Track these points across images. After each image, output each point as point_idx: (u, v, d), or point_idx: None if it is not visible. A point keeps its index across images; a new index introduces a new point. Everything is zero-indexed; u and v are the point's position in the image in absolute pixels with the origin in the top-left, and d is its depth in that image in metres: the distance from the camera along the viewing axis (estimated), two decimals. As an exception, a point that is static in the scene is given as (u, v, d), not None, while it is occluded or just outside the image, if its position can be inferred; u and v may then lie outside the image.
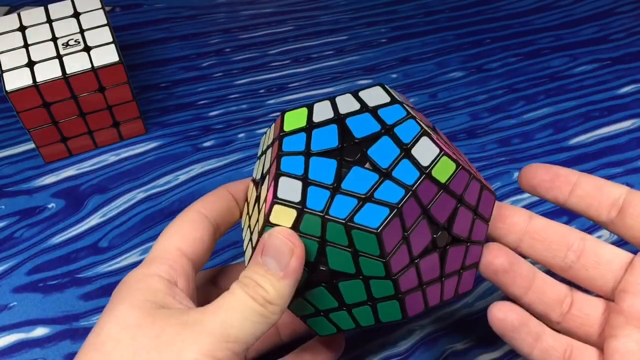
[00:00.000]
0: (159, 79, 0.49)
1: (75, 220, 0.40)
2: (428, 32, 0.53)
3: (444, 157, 0.26)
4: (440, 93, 0.48)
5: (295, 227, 0.25)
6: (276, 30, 0.53)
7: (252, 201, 0.29)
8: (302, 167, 0.26)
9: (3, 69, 0.39)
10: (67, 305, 0.36)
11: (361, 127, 0.27)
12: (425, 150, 0.26)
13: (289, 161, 0.26)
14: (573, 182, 0.30)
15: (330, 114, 0.27)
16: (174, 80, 0.49)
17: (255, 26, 0.53)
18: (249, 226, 0.29)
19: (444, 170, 0.26)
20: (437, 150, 0.26)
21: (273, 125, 0.29)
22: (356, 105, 0.28)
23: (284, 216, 0.25)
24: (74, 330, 0.35)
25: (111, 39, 0.41)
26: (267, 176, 0.27)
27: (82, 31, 0.41)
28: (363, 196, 0.25)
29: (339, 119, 0.27)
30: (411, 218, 0.25)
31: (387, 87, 0.28)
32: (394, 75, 0.49)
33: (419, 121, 0.27)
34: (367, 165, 0.26)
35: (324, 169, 0.26)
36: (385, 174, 0.25)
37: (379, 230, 0.24)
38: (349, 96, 0.28)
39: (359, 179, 0.25)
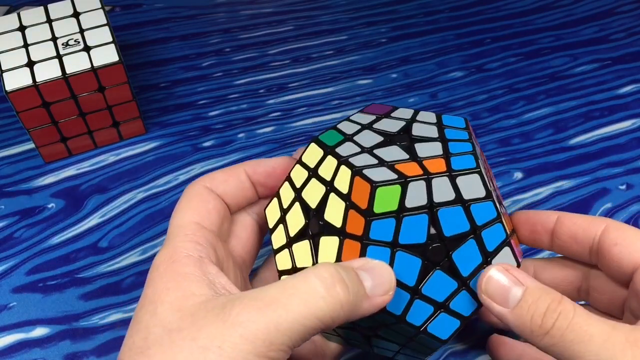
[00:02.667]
0: (158, 78, 0.49)
1: (75, 220, 0.40)
2: (428, 32, 0.53)
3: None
4: (441, 93, 0.48)
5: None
6: (276, 30, 0.53)
7: (295, 220, 0.28)
8: (386, 262, 0.25)
9: (3, 68, 0.39)
10: (67, 305, 0.36)
11: (451, 223, 0.26)
12: (504, 260, 0.26)
13: (374, 253, 0.25)
14: (550, 229, 0.29)
15: (423, 200, 0.25)
16: (173, 80, 0.49)
17: (255, 26, 0.53)
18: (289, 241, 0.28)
19: None
20: (514, 263, 0.27)
21: (314, 145, 0.27)
22: (451, 195, 0.25)
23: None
24: (74, 330, 0.35)
25: (111, 39, 0.41)
26: (336, 238, 0.25)
27: (82, 31, 0.41)
28: (439, 304, 0.26)
29: (431, 207, 0.25)
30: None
31: (481, 174, 0.26)
32: (394, 75, 0.49)
33: (504, 224, 0.26)
34: (448, 269, 0.26)
35: (408, 270, 0.25)
36: (464, 283, 0.26)
37: (446, 341, 0.26)
38: (445, 180, 0.25)
39: (438, 284, 0.26)
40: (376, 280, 0.24)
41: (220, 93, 0.48)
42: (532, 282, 0.25)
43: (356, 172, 0.25)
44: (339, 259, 0.25)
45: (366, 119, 0.29)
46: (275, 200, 0.29)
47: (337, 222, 0.25)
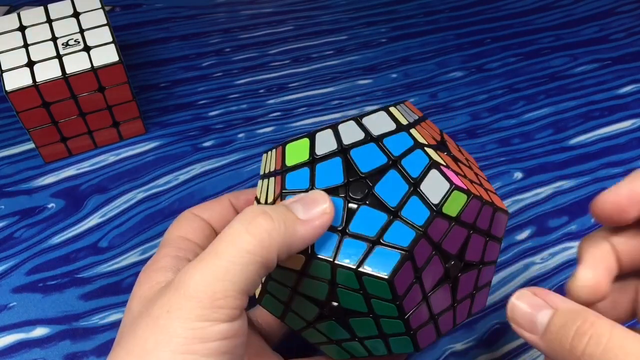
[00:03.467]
0: (158, 78, 0.49)
1: (75, 220, 0.40)
2: (428, 32, 0.53)
3: (455, 192, 0.24)
4: (441, 93, 0.48)
5: (303, 270, 0.25)
6: (276, 30, 0.53)
7: None
8: None
9: (3, 68, 0.39)
10: (67, 305, 0.36)
11: (366, 159, 0.25)
12: (434, 185, 0.25)
13: None
14: None
15: (333, 145, 0.26)
16: (173, 80, 0.49)
17: (255, 26, 0.53)
18: None
19: (455, 204, 0.25)
20: (447, 185, 0.24)
21: (274, 150, 0.28)
22: (360, 135, 0.26)
23: (292, 260, 0.25)
24: (74, 330, 0.35)
25: (111, 39, 0.41)
26: None
27: (81, 31, 0.41)
28: (372, 239, 0.24)
29: (342, 150, 0.26)
30: (422, 258, 0.24)
31: (392, 110, 0.27)
32: (394, 75, 0.49)
33: (427, 150, 0.25)
34: (374, 203, 0.25)
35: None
36: (394, 214, 0.24)
37: (390, 278, 0.23)
38: (352, 123, 0.26)
39: (367, 220, 0.24)
40: (308, 205, 0.24)
41: (220, 93, 0.48)
42: (563, 303, 0.23)
43: (281, 144, 0.27)
44: None
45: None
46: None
47: (270, 197, 0.27)
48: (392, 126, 0.26)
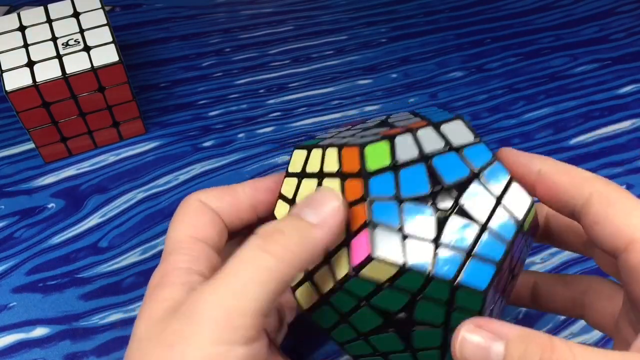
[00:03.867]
0: (158, 78, 0.49)
1: (75, 220, 0.40)
2: (428, 32, 0.53)
3: (533, 206, 0.25)
4: (441, 93, 0.48)
5: (390, 282, 0.23)
6: (276, 30, 0.53)
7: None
8: (397, 217, 0.23)
9: (3, 68, 0.39)
10: (67, 305, 0.36)
11: (449, 170, 0.25)
12: (516, 199, 0.25)
13: (381, 208, 0.23)
14: (531, 180, 0.26)
15: (415, 152, 0.25)
16: (173, 80, 0.49)
17: (255, 26, 0.53)
18: None
19: (530, 219, 0.25)
20: (529, 200, 0.25)
21: (327, 150, 0.26)
22: (440, 143, 0.25)
23: (379, 271, 0.23)
24: (74, 330, 0.35)
25: (111, 39, 0.41)
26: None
27: (81, 31, 0.41)
28: (466, 251, 0.23)
29: (424, 158, 0.25)
30: (503, 271, 0.24)
31: (466, 121, 0.26)
32: (394, 75, 0.49)
33: (504, 164, 0.26)
34: (462, 214, 0.24)
35: (421, 220, 0.24)
36: (483, 226, 0.24)
37: (486, 291, 0.23)
38: (431, 130, 0.25)
39: (458, 232, 0.24)
40: (317, 207, 0.23)
41: (220, 93, 0.48)
42: (513, 331, 0.21)
43: (341, 146, 0.25)
44: (348, 235, 0.24)
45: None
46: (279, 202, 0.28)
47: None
48: (471, 137, 0.26)
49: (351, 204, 0.24)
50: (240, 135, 0.45)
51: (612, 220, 0.23)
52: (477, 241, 0.24)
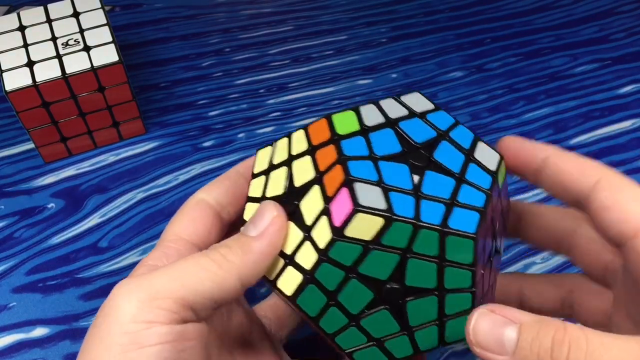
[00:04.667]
0: (158, 78, 0.49)
1: (74, 220, 0.40)
2: (428, 32, 0.53)
3: (503, 161, 0.25)
4: (441, 93, 0.48)
5: (376, 239, 0.23)
6: (276, 30, 0.53)
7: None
8: (374, 172, 0.23)
9: (3, 68, 0.39)
10: (66, 305, 0.36)
11: (416, 132, 0.25)
12: (485, 155, 0.25)
13: (357, 166, 0.23)
14: (536, 167, 0.26)
15: (381, 118, 0.25)
16: (173, 80, 0.49)
17: (255, 26, 0.53)
18: None
19: (502, 175, 0.25)
20: (497, 156, 0.25)
21: (274, 143, 0.27)
22: (404, 111, 0.26)
23: (364, 227, 0.22)
24: (74, 330, 0.35)
25: (111, 39, 0.41)
26: (316, 186, 0.24)
27: (81, 31, 0.41)
28: (448, 201, 0.23)
29: (391, 123, 0.25)
30: (485, 225, 0.24)
31: (423, 94, 0.27)
32: (394, 75, 0.49)
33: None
34: (437, 169, 0.24)
35: (398, 174, 0.24)
36: (459, 178, 0.24)
37: (475, 235, 0.23)
38: (392, 100, 0.26)
39: (436, 184, 0.24)
40: (257, 220, 0.24)
41: (220, 93, 0.48)
42: (525, 316, 0.21)
43: (306, 126, 0.26)
44: (326, 201, 0.23)
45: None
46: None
47: (308, 175, 0.25)
48: (431, 106, 0.26)
49: (324, 172, 0.24)
50: (240, 135, 0.45)
51: (620, 206, 0.23)
52: (457, 191, 0.24)
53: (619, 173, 0.24)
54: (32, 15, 0.42)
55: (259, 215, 0.24)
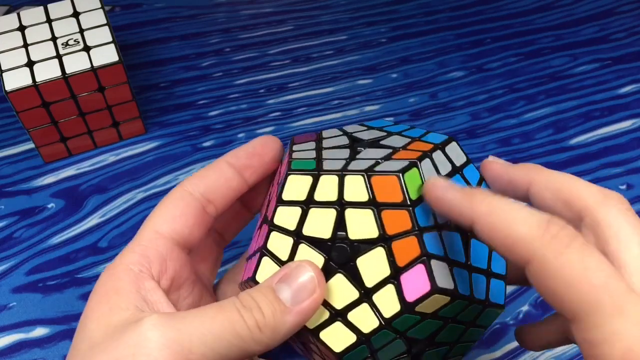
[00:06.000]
0: (158, 78, 0.49)
1: (74, 221, 0.40)
2: (428, 31, 0.53)
3: None
4: (441, 93, 0.48)
5: (436, 312, 0.23)
6: (276, 30, 0.53)
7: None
8: (440, 246, 0.23)
9: (2, 68, 0.39)
10: (66, 306, 0.36)
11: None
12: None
13: (430, 240, 0.23)
14: (524, 193, 0.25)
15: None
16: (173, 80, 0.49)
17: (255, 26, 0.53)
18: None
19: None
20: None
21: (309, 174, 0.24)
22: (448, 166, 0.25)
23: (434, 303, 0.23)
24: (74, 331, 0.35)
25: (111, 39, 0.41)
26: (380, 248, 0.23)
27: (81, 31, 0.41)
28: (486, 272, 0.25)
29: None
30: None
31: (458, 142, 0.26)
32: (394, 75, 0.49)
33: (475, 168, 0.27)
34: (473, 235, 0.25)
35: (454, 245, 0.24)
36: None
37: (504, 305, 0.26)
38: (440, 154, 0.25)
39: (478, 252, 0.25)
40: (297, 290, 0.23)
41: (220, 93, 0.48)
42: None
43: (369, 174, 0.23)
44: (395, 270, 0.23)
45: (309, 145, 0.27)
46: (265, 260, 0.25)
47: (372, 233, 0.23)
48: (464, 158, 0.26)
49: (393, 237, 0.23)
50: (240, 135, 0.45)
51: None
52: (490, 259, 0.25)
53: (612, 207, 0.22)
54: (32, 15, 0.42)
55: (300, 284, 0.23)
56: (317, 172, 0.24)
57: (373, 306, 0.23)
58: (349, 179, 0.24)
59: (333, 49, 0.51)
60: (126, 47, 0.51)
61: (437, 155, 0.25)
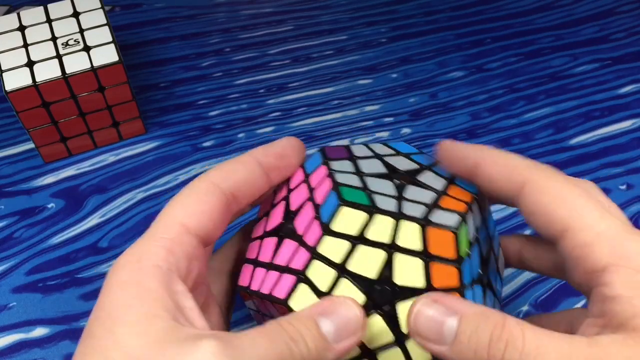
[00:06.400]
0: (158, 78, 0.49)
1: (74, 220, 0.40)
2: (428, 31, 0.53)
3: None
4: (441, 93, 0.48)
5: None
6: (276, 30, 0.53)
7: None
8: (480, 301, 0.25)
9: (3, 68, 0.39)
10: (66, 306, 0.36)
11: (484, 244, 0.26)
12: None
13: (472, 294, 0.24)
14: (470, 171, 0.26)
15: (473, 231, 0.25)
16: (173, 80, 0.49)
17: (255, 26, 0.53)
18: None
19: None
20: None
21: (361, 212, 0.24)
22: (478, 220, 0.26)
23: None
24: (74, 331, 0.35)
25: (111, 39, 0.41)
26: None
27: (81, 31, 0.41)
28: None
29: (476, 238, 0.26)
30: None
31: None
32: (394, 75, 0.49)
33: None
34: (490, 287, 0.26)
35: (481, 300, 0.25)
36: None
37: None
38: (475, 206, 0.26)
39: (489, 300, 0.26)
40: (341, 328, 0.22)
41: (220, 93, 0.48)
42: (466, 308, 0.21)
43: (425, 225, 0.23)
44: None
45: (345, 164, 0.27)
46: (302, 286, 0.24)
47: (418, 282, 0.23)
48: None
49: (437, 290, 0.23)
50: (240, 135, 0.45)
51: (545, 209, 0.23)
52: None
53: (548, 170, 0.24)
54: (32, 15, 0.42)
55: (343, 322, 0.22)
56: (371, 209, 0.23)
57: (405, 352, 0.23)
58: (405, 225, 0.23)
59: (333, 49, 0.51)
60: (126, 47, 0.51)
61: (475, 208, 0.25)
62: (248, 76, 0.49)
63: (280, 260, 0.25)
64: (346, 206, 0.23)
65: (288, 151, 0.27)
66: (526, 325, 0.21)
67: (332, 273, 0.24)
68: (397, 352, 0.23)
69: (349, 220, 0.24)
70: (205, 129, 0.45)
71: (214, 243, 0.26)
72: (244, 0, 0.55)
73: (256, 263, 0.27)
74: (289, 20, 0.53)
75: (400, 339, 0.23)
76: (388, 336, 0.23)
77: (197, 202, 0.25)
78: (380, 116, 0.46)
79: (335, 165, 0.26)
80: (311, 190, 0.26)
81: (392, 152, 0.28)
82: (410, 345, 0.23)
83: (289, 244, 0.25)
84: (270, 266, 0.26)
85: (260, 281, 0.26)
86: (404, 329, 0.23)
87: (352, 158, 0.27)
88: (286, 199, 0.27)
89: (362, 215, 0.23)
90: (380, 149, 0.28)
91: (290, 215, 0.26)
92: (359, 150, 0.28)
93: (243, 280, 0.27)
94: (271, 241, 0.26)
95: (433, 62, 0.50)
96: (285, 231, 0.26)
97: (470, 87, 0.48)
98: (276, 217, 0.27)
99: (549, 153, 0.44)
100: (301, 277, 0.24)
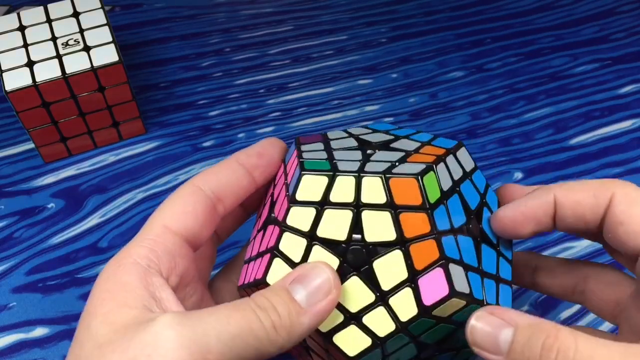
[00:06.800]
0: (158, 78, 0.49)
1: (74, 221, 0.40)
2: (428, 31, 0.53)
3: None
4: (441, 93, 0.48)
5: (451, 316, 0.23)
6: (276, 30, 0.53)
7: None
8: (456, 250, 0.24)
9: (3, 68, 0.39)
10: (66, 306, 0.36)
11: (470, 197, 0.25)
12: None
13: (448, 243, 0.23)
14: (551, 215, 0.26)
15: (449, 182, 0.25)
16: (173, 80, 0.49)
17: (255, 26, 0.53)
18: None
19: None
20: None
21: (321, 174, 0.24)
22: (460, 171, 0.25)
23: (450, 308, 0.23)
24: (74, 331, 0.35)
25: (111, 39, 0.41)
26: (397, 251, 0.23)
27: (81, 31, 0.41)
28: (495, 277, 0.25)
29: (455, 187, 0.25)
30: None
31: (466, 147, 0.27)
32: (394, 75, 0.49)
33: (508, 199, 0.27)
34: (485, 241, 0.25)
35: (468, 250, 0.24)
36: (498, 252, 0.26)
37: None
38: (452, 159, 0.25)
39: (487, 257, 0.25)
40: (312, 291, 0.23)
41: (220, 93, 0.48)
42: (522, 319, 0.22)
43: (387, 176, 0.23)
44: (413, 274, 0.23)
45: (316, 146, 0.27)
46: (277, 261, 0.24)
47: (389, 235, 0.23)
48: (472, 164, 0.27)
49: (411, 240, 0.23)
50: (240, 135, 0.45)
51: (636, 219, 0.23)
52: (498, 266, 0.25)
53: (632, 184, 0.24)
54: (32, 15, 0.42)
55: (315, 286, 0.23)
56: (332, 172, 0.24)
57: (389, 309, 0.23)
58: (367, 181, 0.23)
59: (333, 49, 0.51)
60: (126, 47, 0.51)
61: (450, 160, 0.25)
62: (248, 76, 0.49)
63: (262, 247, 0.26)
64: (307, 174, 0.24)
65: (268, 149, 0.28)
66: (580, 336, 0.21)
67: (303, 242, 0.24)
68: (381, 311, 0.23)
69: (311, 187, 0.24)
70: (205, 129, 0.45)
71: (204, 242, 0.27)
72: (244, 0, 0.55)
73: (249, 260, 0.27)
74: (289, 20, 0.53)
75: (382, 297, 0.23)
76: (369, 296, 0.23)
77: (180, 205, 0.26)
78: (380, 116, 0.46)
79: (307, 147, 0.26)
80: (287, 176, 0.26)
81: (369, 130, 0.28)
82: (394, 301, 0.23)
83: (269, 230, 0.26)
84: (256, 257, 0.26)
85: (249, 273, 0.26)
86: (383, 286, 0.23)
87: (326, 140, 0.27)
88: (272, 194, 0.27)
89: (323, 180, 0.24)
90: (358, 130, 0.28)
91: (273, 206, 0.26)
92: (334, 134, 0.28)
93: (240, 281, 0.27)
94: (260, 235, 0.27)
95: (433, 62, 0.50)
96: (268, 221, 0.26)
97: (470, 87, 0.48)
98: (264, 213, 0.27)
99: (549, 153, 0.44)
100: (275, 253, 0.24)
